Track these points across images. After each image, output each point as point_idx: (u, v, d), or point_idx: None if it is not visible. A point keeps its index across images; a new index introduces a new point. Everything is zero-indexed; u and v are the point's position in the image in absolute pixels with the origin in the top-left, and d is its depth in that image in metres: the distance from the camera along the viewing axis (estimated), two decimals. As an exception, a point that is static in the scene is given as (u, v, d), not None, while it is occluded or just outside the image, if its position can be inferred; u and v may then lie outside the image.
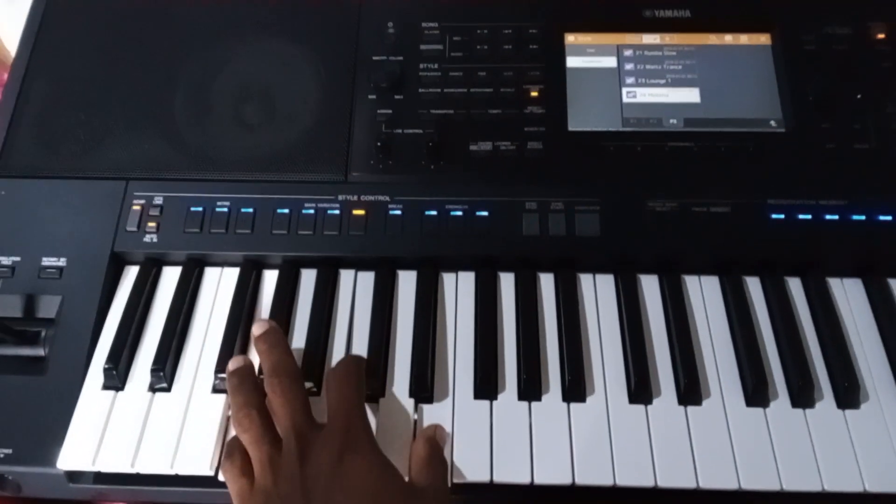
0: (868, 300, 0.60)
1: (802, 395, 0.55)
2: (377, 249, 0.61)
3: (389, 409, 0.56)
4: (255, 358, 0.57)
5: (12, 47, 1.12)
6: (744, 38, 0.68)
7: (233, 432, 0.53)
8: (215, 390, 0.57)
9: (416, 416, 0.55)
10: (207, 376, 0.57)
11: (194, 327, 0.60)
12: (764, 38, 0.68)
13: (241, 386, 0.53)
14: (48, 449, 0.54)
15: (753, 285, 0.61)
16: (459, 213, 0.62)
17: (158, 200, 0.63)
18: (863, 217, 0.60)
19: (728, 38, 0.68)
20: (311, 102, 0.67)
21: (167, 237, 0.62)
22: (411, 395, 0.56)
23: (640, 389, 0.55)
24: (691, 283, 0.61)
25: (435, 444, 0.53)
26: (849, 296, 0.60)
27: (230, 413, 0.54)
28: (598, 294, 0.61)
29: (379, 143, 0.64)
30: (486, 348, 0.57)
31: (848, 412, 0.55)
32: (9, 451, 0.54)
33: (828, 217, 0.60)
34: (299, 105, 0.67)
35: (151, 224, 0.62)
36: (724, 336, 0.58)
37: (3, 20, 1.09)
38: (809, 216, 0.60)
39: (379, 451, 0.50)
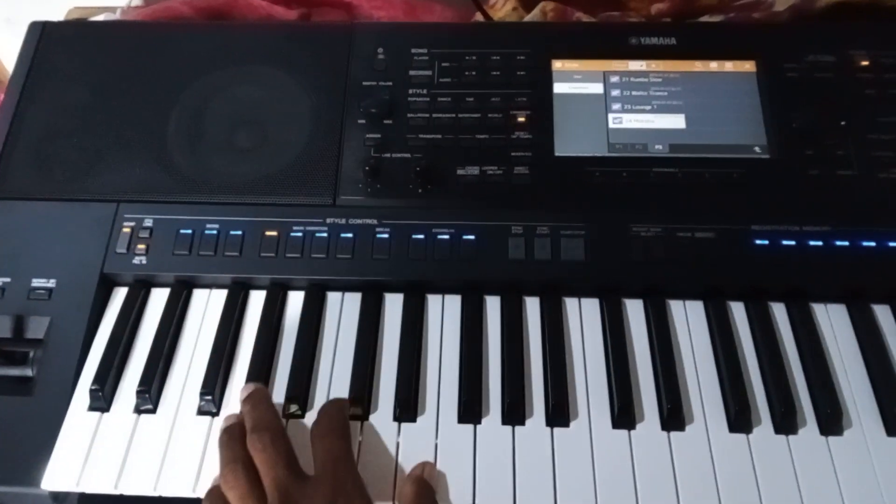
0: (852, 326, 0.60)
1: (785, 422, 0.55)
2: (364, 272, 0.62)
3: (373, 431, 0.56)
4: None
5: (11, 68, 1.14)
6: (728, 66, 0.69)
7: (216, 455, 0.53)
8: (200, 412, 0.57)
9: (399, 439, 0.55)
10: (193, 398, 0.57)
11: (181, 349, 0.60)
12: (748, 66, 0.69)
13: (229, 442, 0.53)
14: (33, 469, 0.54)
15: (738, 310, 0.61)
16: (446, 236, 0.63)
17: (148, 223, 0.64)
18: (846, 243, 0.61)
19: (713, 66, 0.69)
20: (301, 127, 0.68)
21: (156, 259, 0.62)
22: (395, 418, 0.56)
23: (624, 415, 0.55)
24: (676, 308, 0.61)
25: (424, 484, 0.52)
26: (833, 322, 0.60)
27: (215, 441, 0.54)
28: (584, 318, 0.61)
29: (367, 168, 0.65)
30: (470, 372, 0.58)
31: (831, 439, 0.55)
32: (-7, 471, 0.55)
33: (812, 243, 0.61)
34: (290, 130, 0.68)
35: (141, 246, 0.63)
36: (708, 361, 0.59)
37: (3, 41, 1.11)
38: (794, 242, 0.61)
39: (369, 500, 0.50)
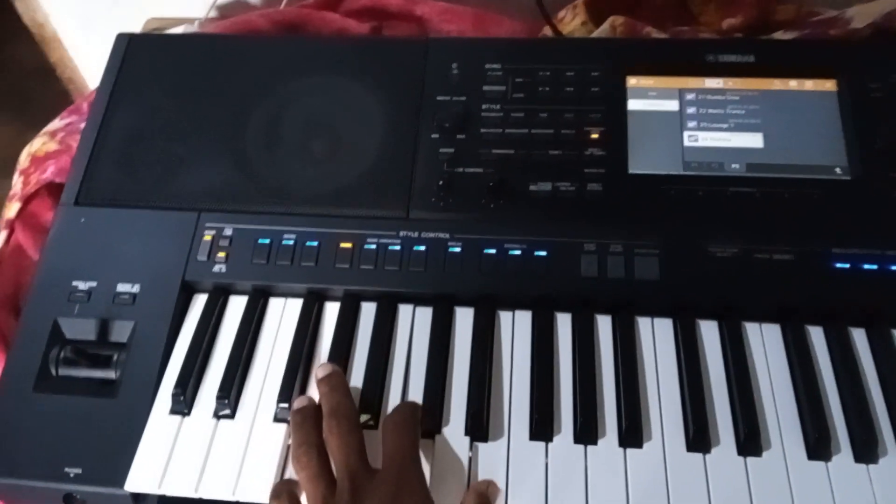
0: (936, 353, 0.58)
1: (866, 450, 0.54)
2: (436, 286, 0.63)
3: (444, 446, 0.56)
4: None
5: (86, 72, 1.19)
6: (809, 84, 0.68)
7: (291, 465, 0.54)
8: (277, 419, 0.58)
9: (470, 455, 0.56)
10: (270, 405, 0.59)
11: (258, 356, 0.62)
12: (829, 85, 0.67)
13: (303, 424, 0.55)
14: (117, 470, 0.56)
15: (816, 334, 0.60)
16: (518, 252, 0.63)
17: (228, 232, 0.65)
18: (931, 268, 0.59)
19: (793, 84, 0.68)
20: (376, 140, 0.69)
21: (235, 267, 0.64)
22: (467, 433, 0.57)
23: (699, 438, 0.55)
24: (752, 330, 0.60)
25: (485, 500, 0.53)
26: (915, 348, 0.59)
27: (290, 447, 0.56)
28: (657, 338, 0.60)
29: (440, 182, 0.66)
30: (542, 389, 0.58)
31: (914, 469, 0.53)
32: (79, 470, 0.57)
33: (893, 268, 0.59)
34: (365, 143, 0.69)
35: (221, 254, 0.65)
36: (785, 386, 0.58)
37: (79, 47, 1.16)
38: (875, 266, 0.60)
39: (431, 500, 0.51)
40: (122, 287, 0.64)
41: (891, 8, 0.78)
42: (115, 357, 0.62)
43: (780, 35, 0.83)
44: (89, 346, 0.62)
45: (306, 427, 0.55)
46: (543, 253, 0.63)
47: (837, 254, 0.60)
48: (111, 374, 0.61)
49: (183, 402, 0.58)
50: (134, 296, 0.64)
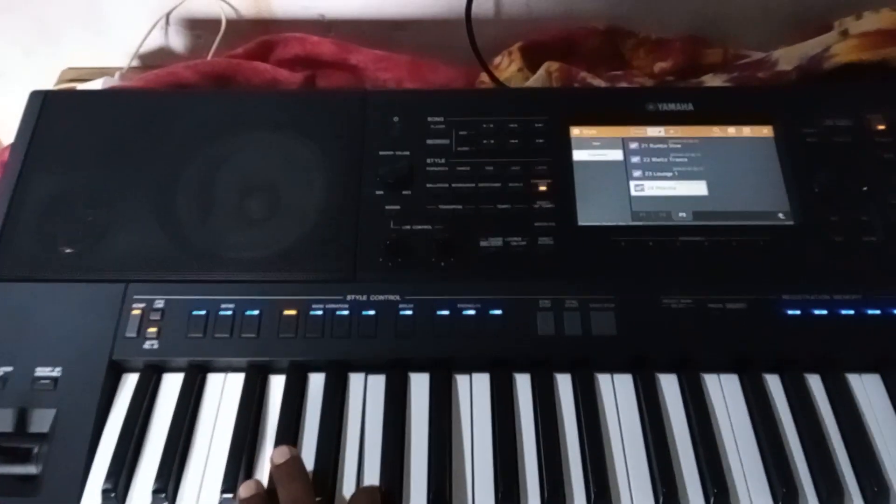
0: (888, 396, 0.59)
1: (832, 502, 0.53)
2: (388, 352, 0.60)
3: (407, 525, 0.53)
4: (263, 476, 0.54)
5: (1, 123, 1.11)
6: (746, 131, 0.69)
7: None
8: (221, 510, 0.54)
9: (434, 533, 0.53)
10: (213, 495, 0.54)
11: (197, 439, 0.57)
12: (766, 131, 0.68)
13: None
14: (41, 582, 0.51)
15: (773, 382, 0.60)
16: (472, 311, 0.61)
17: (159, 304, 0.61)
18: (878, 311, 0.60)
19: (731, 131, 0.69)
20: (317, 199, 0.66)
21: (168, 343, 0.59)
22: (429, 509, 0.54)
23: (669, 499, 0.53)
24: (711, 381, 0.60)
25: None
26: (868, 391, 0.59)
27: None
28: (618, 395, 0.59)
29: (387, 241, 0.63)
30: (505, 458, 0.55)
31: (879, 517, 0.53)
32: (-2, 583, 0.51)
33: (843, 312, 0.60)
34: (305, 202, 0.66)
35: (152, 329, 0.60)
36: (748, 438, 0.57)
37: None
38: (825, 311, 0.60)
39: None
40: (42, 371, 0.58)
41: (814, 52, 0.81)
42: (35, 450, 0.56)
43: (709, 77, 0.85)
44: (6, 440, 0.56)
45: None
46: (499, 312, 0.61)
47: (788, 300, 0.61)
48: (32, 470, 0.56)
49: (114, 500, 0.53)
50: (55, 380, 0.58)
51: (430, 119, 0.69)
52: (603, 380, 0.60)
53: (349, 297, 0.61)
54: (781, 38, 0.87)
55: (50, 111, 0.70)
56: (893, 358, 0.60)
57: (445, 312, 0.61)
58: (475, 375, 0.60)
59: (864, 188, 0.65)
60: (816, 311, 0.60)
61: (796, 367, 0.60)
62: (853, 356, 0.60)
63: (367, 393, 0.60)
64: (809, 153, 0.67)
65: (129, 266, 0.63)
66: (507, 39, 0.89)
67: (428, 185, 0.66)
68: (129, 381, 0.59)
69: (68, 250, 0.63)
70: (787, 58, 0.83)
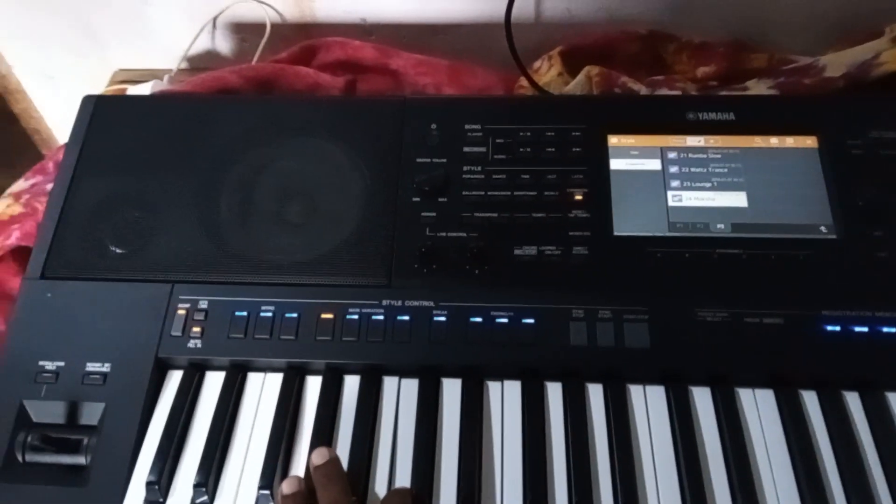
0: (929, 416, 0.58)
1: (867, 523, 0.53)
2: (421, 357, 0.61)
3: (436, 529, 0.54)
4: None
5: (51, 123, 1.16)
6: (790, 141, 0.68)
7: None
8: (258, 505, 0.56)
9: (463, 538, 0.54)
10: (251, 491, 0.56)
11: (237, 436, 0.59)
12: (810, 141, 0.67)
13: None
14: (87, 568, 0.53)
15: (810, 398, 0.59)
16: (505, 320, 0.61)
17: (203, 304, 0.63)
18: (921, 329, 0.59)
19: (774, 141, 0.68)
20: (355, 205, 0.67)
21: (211, 342, 0.62)
22: (459, 513, 0.55)
23: (697, 513, 0.53)
24: (745, 396, 0.59)
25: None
26: (909, 411, 0.58)
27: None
28: (650, 407, 0.59)
29: (423, 248, 0.64)
30: (534, 465, 0.56)
31: (914, 539, 0.53)
32: (46, 567, 0.54)
33: (885, 329, 0.59)
34: (344, 208, 0.67)
35: (196, 329, 0.62)
36: (782, 454, 0.56)
37: (44, 97, 1.13)
38: (866, 328, 0.59)
39: None
40: (92, 366, 0.61)
41: (864, 58, 0.79)
42: (84, 441, 0.59)
43: (754, 83, 0.83)
44: (58, 430, 0.59)
45: None
46: (531, 321, 0.61)
47: (827, 316, 0.60)
48: (81, 460, 0.58)
49: (157, 492, 0.55)
50: (104, 375, 0.61)
51: (467, 127, 0.70)
52: (635, 391, 0.60)
53: (384, 303, 0.63)
54: (830, 44, 0.85)
55: (101, 115, 0.73)
56: (936, 377, 0.59)
57: (478, 320, 0.61)
58: (507, 383, 0.61)
59: (911, 202, 0.64)
60: (857, 328, 0.59)
61: (834, 384, 0.59)
62: (894, 374, 0.59)
63: (400, 396, 0.61)
64: (854, 165, 0.66)
65: (174, 267, 0.65)
66: (547, 44, 0.89)
67: (464, 193, 0.67)
68: (174, 379, 0.62)
69: (118, 251, 0.66)
70: (835, 64, 0.81)
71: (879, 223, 0.63)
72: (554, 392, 0.60)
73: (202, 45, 0.94)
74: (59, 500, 0.57)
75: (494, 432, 0.59)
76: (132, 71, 0.96)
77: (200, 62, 0.95)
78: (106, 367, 0.61)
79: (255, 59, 0.90)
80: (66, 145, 0.71)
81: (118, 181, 0.69)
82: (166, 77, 0.89)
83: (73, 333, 0.62)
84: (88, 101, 0.74)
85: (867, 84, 0.78)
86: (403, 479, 0.56)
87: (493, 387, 0.61)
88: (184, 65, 0.94)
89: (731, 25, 0.88)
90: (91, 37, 0.97)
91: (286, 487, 0.54)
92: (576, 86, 0.85)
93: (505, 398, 0.60)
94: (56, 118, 1.14)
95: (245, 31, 0.92)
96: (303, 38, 0.89)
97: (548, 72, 0.89)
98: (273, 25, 0.90)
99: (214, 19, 0.91)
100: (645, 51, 0.90)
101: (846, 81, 0.78)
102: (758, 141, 0.68)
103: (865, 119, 0.68)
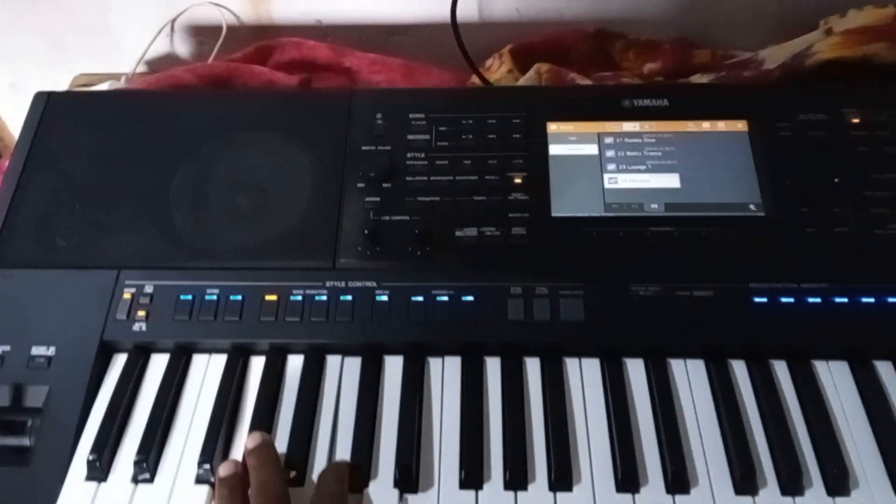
0: (855, 383, 0.60)
1: (791, 483, 0.54)
2: (364, 336, 0.62)
3: (373, 499, 0.55)
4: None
5: (15, 131, 1.16)
6: (721, 125, 0.70)
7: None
8: (198, 481, 0.56)
9: (400, 507, 0.55)
10: (191, 467, 0.57)
11: (180, 416, 0.60)
12: (741, 125, 0.70)
13: (230, 498, 0.52)
14: (28, 544, 0.54)
15: (739, 368, 0.61)
16: (445, 298, 0.63)
17: (149, 289, 0.64)
18: (846, 300, 0.61)
19: (706, 126, 0.70)
20: (302, 192, 0.69)
21: (156, 325, 0.62)
22: (396, 485, 0.55)
23: (628, 479, 0.54)
24: (677, 367, 0.61)
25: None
26: (835, 379, 0.60)
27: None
28: (584, 379, 0.60)
29: (367, 231, 0.65)
30: (471, 437, 0.57)
31: (838, 499, 0.54)
32: (-13, 545, 0.54)
33: (811, 300, 0.61)
34: (291, 195, 0.68)
35: (141, 312, 0.63)
36: (711, 422, 0.58)
37: (9, 107, 1.14)
38: (792, 299, 0.61)
39: None
40: (37, 350, 0.62)
41: (798, 50, 0.81)
42: (29, 423, 0.59)
43: (697, 77, 0.86)
44: (2, 413, 0.60)
45: (232, 500, 0.52)
46: (471, 298, 0.63)
47: (755, 288, 0.62)
48: (25, 442, 0.59)
49: (99, 468, 0.56)
50: (49, 359, 0.61)
51: (411, 116, 0.72)
52: (571, 364, 0.61)
53: (328, 284, 0.64)
54: (772, 41, 0.88)
55: (53, 112, 0.74)
56: (861, 345, 0.60)
57: (420, 299, 0.63)
58: (447, 359, 0.62)
59: (836, 181, 0.66)
60: (783, 299, 0.61)
61: (763, 353, 0.61)
62: (820, 344, 0.61)
63: (343, 374, 0.62)
64: (783, 147, 0.68)
65: (121, 256, 0.66)
66: (498, 43, 0.91)
67: (407, 179, 0.69)
68: (119, 362, 0.63)
69: (66, 242, 0.67)
70: (774, 57, 0.84)
71: (806, 201, 0.65)
72: (493, 367, 0.62)
73: (161, 48, 0.96)
74: (3, 479, 0.57)
75: (434, 407, 0.60)
76: (92, 75, 0.97)
77: (159, 65, 0.97)
78: (51, 351, 0.62)
79: (211, 60, 0.92)
80: (17, 140, 0.73)
81: (68, 175, 0.70)
82: (123, 78, 0.91)
83: (19, 319, 0.63)
84: (40, 97, 0.75)
85: (802, 74, 0.80)
86: (344, 455, 0.57)
87: (434, 363, 0.62)
88: (142, 68, 0.96)
89: (677, 25, 0.91)
90: (55, 46, 0.99)
91: (222, 470, 0.55)
92: (526, 82, 0.87)
93: (445, 374, 0.62)
94: (20, 127, 1.15)
95: (203, 34, 0.94)
96: (260, 40, 0.91)
97: (498, 69, 0.91)
98: (229, 27, 0.92)
99: (172, 22, 0.93)
100: (594, 49, 0.93)
101: (782, 72, 0.81)
102: (690, 125, 0.70)
103: (794, 103, 0.70)
